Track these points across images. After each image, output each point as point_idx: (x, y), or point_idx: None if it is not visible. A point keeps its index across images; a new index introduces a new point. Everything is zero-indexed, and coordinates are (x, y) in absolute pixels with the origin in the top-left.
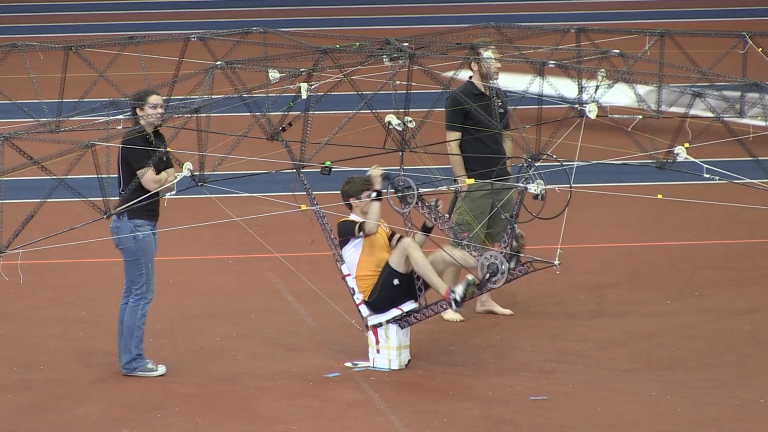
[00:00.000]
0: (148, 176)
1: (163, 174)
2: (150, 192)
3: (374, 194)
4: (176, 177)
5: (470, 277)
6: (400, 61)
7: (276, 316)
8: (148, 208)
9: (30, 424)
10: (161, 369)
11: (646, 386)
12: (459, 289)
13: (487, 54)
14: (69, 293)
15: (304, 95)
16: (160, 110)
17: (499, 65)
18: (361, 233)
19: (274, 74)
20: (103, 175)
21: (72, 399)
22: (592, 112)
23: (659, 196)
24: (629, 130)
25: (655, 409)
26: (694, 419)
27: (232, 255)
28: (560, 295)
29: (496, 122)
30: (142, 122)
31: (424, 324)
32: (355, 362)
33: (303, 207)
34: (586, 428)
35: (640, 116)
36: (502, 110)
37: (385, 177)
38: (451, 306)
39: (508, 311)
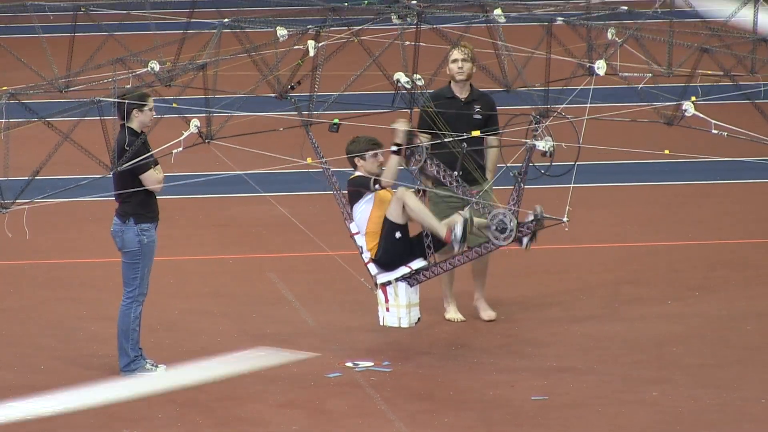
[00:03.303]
0: (152, 177)
1: (158, 170)
2: (141, 189)
3: (393, 147)
4: (183, 133)
5: (465, 213)
6: (408, 19)
7: (277, 317)
8: (153, 211)
9: (31, 424)
10: (160, 369)
11: (647, 386)
12: (458, 228)
13: (496, 12)
14: (70, 293)
15: (311, 53)
16: (153, 113)
17: (469, 69)
18: (377, 186)
19: (281, 31)
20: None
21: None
22: (601, 68)
23: (666, 152)
24: (640, 87)
25: (656, 409)
26: (696, 419)
27: (233, 255)
28: (561, 295)
29: (465, 128)
30: (135, 124)
31: (425, 324)
32: (356, 362)
33: (309, 160)
34: (587, 428)
35: (650, 74)
36: (478, 116)
37: (408, 133)
38: (453, 246)
39: (493, 316)
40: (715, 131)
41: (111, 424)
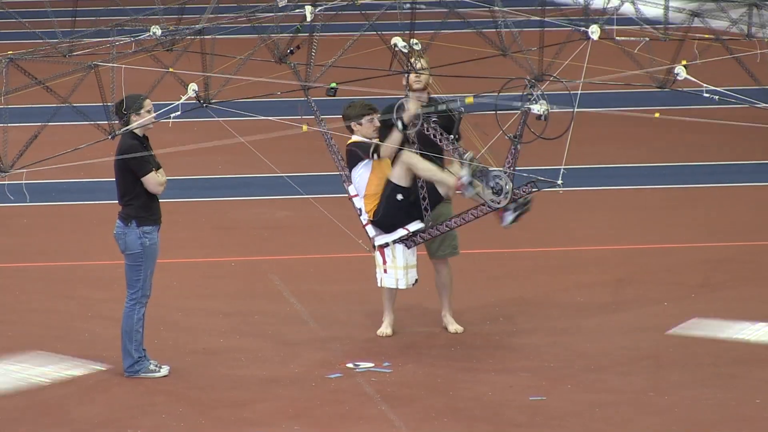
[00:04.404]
0: (153, 180)
1: (161, 173)
2: (143, 193)
3: (399, 124)
4: (181, 98)
5: (469, 153)
6: None
7: (278, 318)
8: (156, 214)
9: (36, 424)
10: (164, 370)
11: (643, 386)
12: (464, 172)
13: None
14: (74, 295)
15: (308, 18)
16: (153, 114)
17: (425, 79)
18: (375, 156)
19: None
20: (108, 101)
21: (77, 399)
22: (594, 33)
23: (656, 115)
24: (635, 51)
25: (652, 409)
26: (691, 419)
27: (234, 257)
28: (558, 295)
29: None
30: (135, 126)
31: (423, 325)
32: (357, 363)
33: (304, 128)
34: (584, 428)
35: (647, 38)
36: (434, 126)
37: (416, 116)
38: (464, 193)
39: (459, 328)
40: (707, 95)
41: (115, 424)
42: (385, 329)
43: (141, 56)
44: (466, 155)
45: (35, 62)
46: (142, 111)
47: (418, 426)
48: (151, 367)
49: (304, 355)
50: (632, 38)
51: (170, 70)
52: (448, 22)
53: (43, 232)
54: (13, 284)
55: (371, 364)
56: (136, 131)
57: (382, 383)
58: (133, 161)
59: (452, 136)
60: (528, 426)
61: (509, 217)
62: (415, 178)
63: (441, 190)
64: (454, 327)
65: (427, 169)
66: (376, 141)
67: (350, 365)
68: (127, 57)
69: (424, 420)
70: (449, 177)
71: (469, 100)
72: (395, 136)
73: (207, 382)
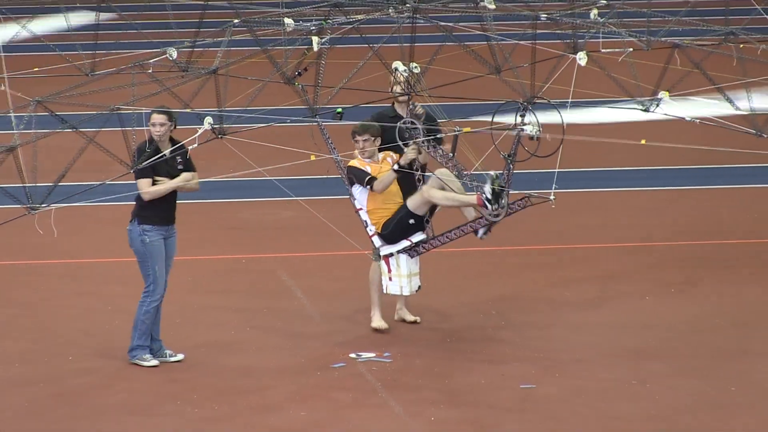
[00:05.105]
0: (142, 185)
1: (181, 178)
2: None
3: (395, 166)
4: (198, 130)
5: (492, 172)
6: (405, 14)
7: (286, 311)
8: (158, 215)
9: (58, 412)
10: (179, 357)
11: (626, 375)
12: (487, 188)
13: (489, 3)
14: (95, 290)
15: (315, 48)
16: (160, 128)
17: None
18: (368, 187)
19: (289, 21)
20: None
21: (97, 388)
22: (582, 59)
23: (643, 142)
24: (620, 60)
25: (634, 396)
26: (672, 406)
27: (245, 255)
28: (547, 291)
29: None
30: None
31: (422, 319)
32: (359, 353)
33: (312, 157)
34: (570, 413)
35: (631, 49)
36: (433, 144)
37: (413, 160)
38: (486, 206)
39: (417, 318)
40: (688, 118)
41: (133, 411)
42: (378, 322)
43: (160, 94)
44: (489, 174)
45: (62, 102)
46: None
47: (416, 411)
48: (145, 355)
49: (310, 346)
50: (617, 49)
51: (188, 109)
52: (445, 44)
53: (67, 232)
54: (37, 281)
55: (372, 355)
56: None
57: (383, 372)
58: (138, 169)
59: (450, 154)
60: (518, 411)
61: (481, 231)
62: (431, 208)
63: (465, 213)
64: (410, 317)
65: (448, 198)
66: (370, 173)
67: (353, 355)
68: (147, 98)
69: (421, 406)
70: (470, 198)
71: (466, 130)
72: (389, 176)
73: (219, 371)
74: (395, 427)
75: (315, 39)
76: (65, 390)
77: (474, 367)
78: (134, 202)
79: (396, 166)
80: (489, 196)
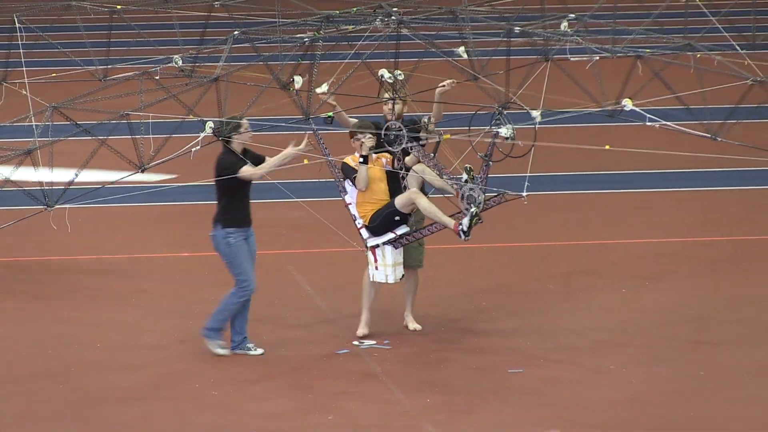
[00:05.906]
0: (247, 171)
1: (265, 164)
2: (252, 180)
3: (360, 159)
4: (200, 134)
5: (473, 209)
6: (391, 26)
7: (295, 304)
8: (239, 218)
9: (85, 399)
10: (258, 351)
11: (604, 360)
12: (465, 221)
13: (462, 16)
14: (123, 286)
15: (297, 85)
16: (251, 132)
17: (399, 110)
18: (354, 185)
19: (297, 78)
20: (137, 137)
21: (122, 374)
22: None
23: (607, 147)
24: (587, 68)
25: (611, 380)
26: (647, 389)
27: (257, 251)
28: (531, 284)
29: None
30: (235, 144)
31: (418, 311)
32: (362, 341)
33: (305, 161)
34: (555, 396)
35: (597, 57)
36: (417, 147)
37: (370, 149)
38: (460, 236)
39: (418, 326)
40: (648, 123)
41: (156, 393)
42: (362, 329)
43: (166, 100)
44: (464, 176)
45: (75, 107)
46: (241, 130)
47: (412, 394)
48: (217, 341)
49: (316, 334)
50: (585, 56)
51: (191, 117)
52: (428, 51)
53: (95, 230)
54: (67, 275)
55: (373, 342)
56: (236, 147)
57: (383, 358)
58: (228, 172)
59: (433, 154)
60: (507, 394)
61: (462, 236)
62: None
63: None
64: (413, 325)
65: (430, 209)
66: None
67: (356, 343)
68: (154, 105)
69: (417, 389)
70: (449, 221)
71: (446, 137)
72: (362, 171)
73: (234, 358)
74: (393, 409)
75: (297, 78)
76: (91, 375)
77: (466, 355)
78: (216, 210)
79: (361, 159)
80: (465, 229)
